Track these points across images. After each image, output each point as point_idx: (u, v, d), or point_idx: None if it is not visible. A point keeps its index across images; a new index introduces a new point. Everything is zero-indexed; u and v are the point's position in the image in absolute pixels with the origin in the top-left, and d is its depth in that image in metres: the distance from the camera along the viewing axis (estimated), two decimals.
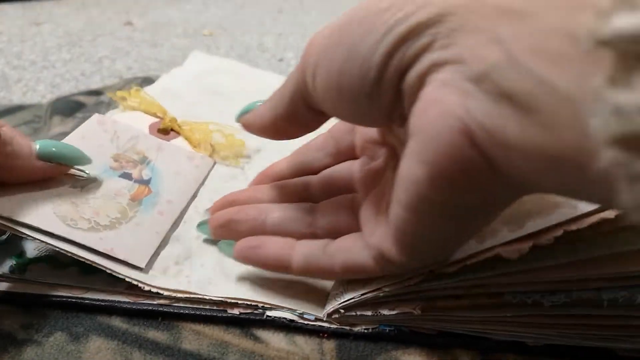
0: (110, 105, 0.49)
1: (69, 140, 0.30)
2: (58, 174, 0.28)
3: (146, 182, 0.30)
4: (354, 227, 0.24)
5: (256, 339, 0.25)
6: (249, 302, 0.26)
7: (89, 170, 0.29)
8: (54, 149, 0.26)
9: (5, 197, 0.25)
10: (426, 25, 0.16)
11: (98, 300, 0.26)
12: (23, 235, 0.25)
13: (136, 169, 0.31)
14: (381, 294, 0.23)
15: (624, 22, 0.10)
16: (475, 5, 0.15)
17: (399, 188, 0.18)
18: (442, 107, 0.15)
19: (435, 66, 0.16)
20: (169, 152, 0.34)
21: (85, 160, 0.28)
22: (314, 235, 0.26)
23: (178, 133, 0.37)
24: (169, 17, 0.89)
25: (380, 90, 0.18)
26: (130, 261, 0.25)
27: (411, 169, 0.17)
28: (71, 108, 0.48)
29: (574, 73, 0.12)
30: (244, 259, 0.26)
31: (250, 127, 0.26)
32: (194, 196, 0.33)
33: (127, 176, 0.30)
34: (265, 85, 0.45)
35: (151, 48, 0.73)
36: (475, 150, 0.15)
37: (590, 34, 0.11)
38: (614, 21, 0.10)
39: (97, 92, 0.53)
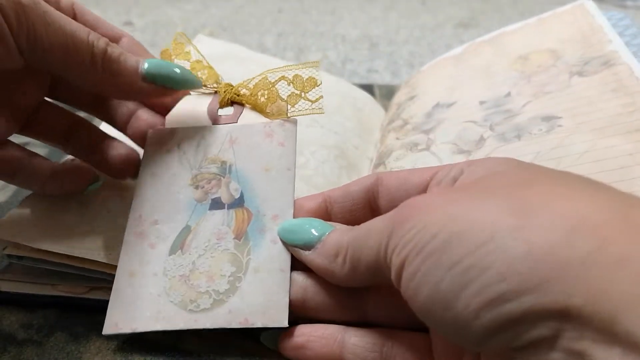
0: None
1: (140, 188, 0.26)
2: (163, 97, 0.26)
3: (240, 202, 0.25)
4: (408, 320, 0.22)
5: (256, 339, 0.25)
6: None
7: (176, 220, 0.25)
8: (160, 71, 0.25)
9: (120, 303, 0.23)
10: (546, 314, 0.13)
11: (99, 300, 0.26)
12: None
13: (222, 188, 0.26)
14: None
15: None
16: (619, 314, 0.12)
17: None
18: None
19: None
20: (243, 140, 0.27)
21: (195, 83, 0.27)
22: (362, 317, 0.23)
23: (240, 104, 0.29)
24: (169, 17, 0.89)
25: (479, 347, 0.16)
26: (270, 325, 0.22)
27: None
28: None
29: None
30: (291, 357, 0.23)
31: (314, 269, 0.23)
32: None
33: (217, 204, 0.25)
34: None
35: (151, 48, 0.73)
36: None
37: None
38: None
39: None
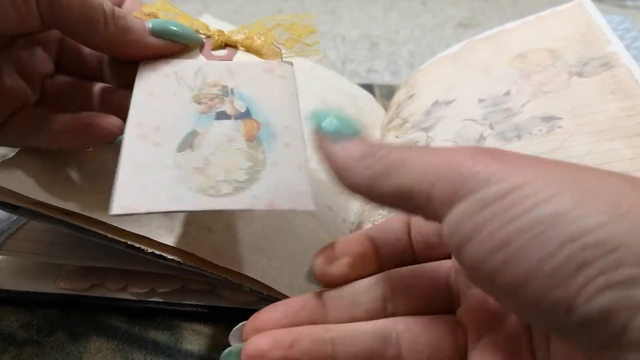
0: None
1: (136, 102, 0.25)
2: (170, 53, 0.27)
3: (247, 115, 0.25)
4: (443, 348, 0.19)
5: None
6: (254, 288, 0.25)
7: (181, 125, 0.24)
8: (167, 25, 0.26)
9: (130, 186, 0.21)
10: None
11: (100, 298, 0.26)
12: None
13: (226, 104, 0.25)
14: None
15: None
16: None
17: None
18: None
19: None
20: (242, 72, 0.27)
21: (197, 39, 0.27)
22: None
23: (234, 47, 0.29)
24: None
25: (581, 334, 0.14)
26: (298, 208, 0.22)
27: None
28: None
29: None
30: None
31: (330, 162, 0.19)
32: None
33: (223, 115, 0.25)
34: None
35: None
36: None
37: None
38: None
39: None
